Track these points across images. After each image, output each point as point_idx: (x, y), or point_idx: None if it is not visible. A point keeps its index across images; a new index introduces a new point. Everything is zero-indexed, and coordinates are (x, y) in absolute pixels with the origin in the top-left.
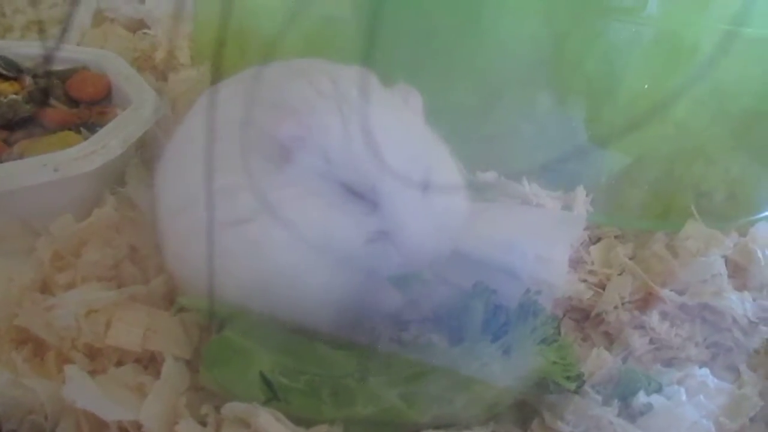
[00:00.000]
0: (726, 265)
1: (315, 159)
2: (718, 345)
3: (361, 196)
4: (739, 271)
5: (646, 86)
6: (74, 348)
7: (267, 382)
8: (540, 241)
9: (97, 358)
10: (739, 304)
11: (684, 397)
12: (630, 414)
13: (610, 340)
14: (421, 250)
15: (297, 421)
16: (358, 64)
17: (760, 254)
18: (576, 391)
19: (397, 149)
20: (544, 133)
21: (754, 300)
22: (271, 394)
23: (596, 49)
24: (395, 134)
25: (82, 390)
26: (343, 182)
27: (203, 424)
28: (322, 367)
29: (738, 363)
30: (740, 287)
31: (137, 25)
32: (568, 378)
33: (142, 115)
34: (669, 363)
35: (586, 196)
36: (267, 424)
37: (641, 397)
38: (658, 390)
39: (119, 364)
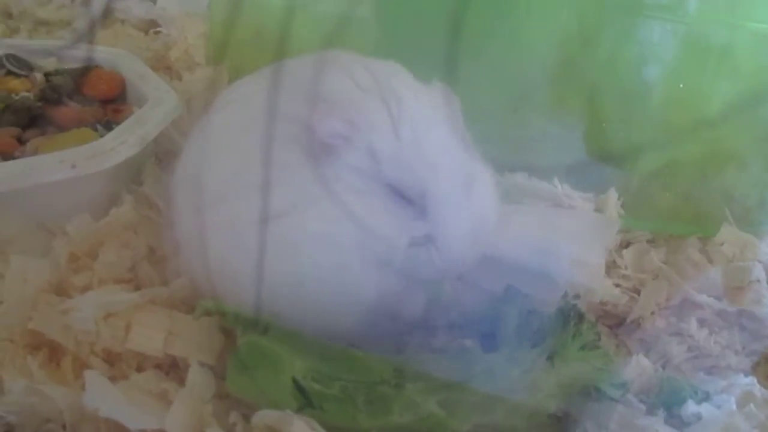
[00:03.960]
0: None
1: (360, 157)
2: (758, 353)
3: (409, 199)
4: None
5: (681, 86)
6: (93, 353)
7: (300, 389)
8: (575, 244)
9: (116, 364)
10: None
11: (734, 407)
12: (677, 424)
13: (647, 347)
14: (463, 256)
15: (331, 429)
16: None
17: None
18: (619, 400)
19: (446, 153)
20: (573, 134)
21: None
22: (305, 401)
23: (628, 49)
24: (443, 136)
25: (104, 397)
26: (390, 183)
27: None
28: (357, 374)
29: None
30: None
31: (149, 26)
32: (612, 385)
33: (160, 112)
34: (709, 371)
35: (618, 199)
36: None
37: (690, 407)
38: (707, 399)
39: (139, 370)
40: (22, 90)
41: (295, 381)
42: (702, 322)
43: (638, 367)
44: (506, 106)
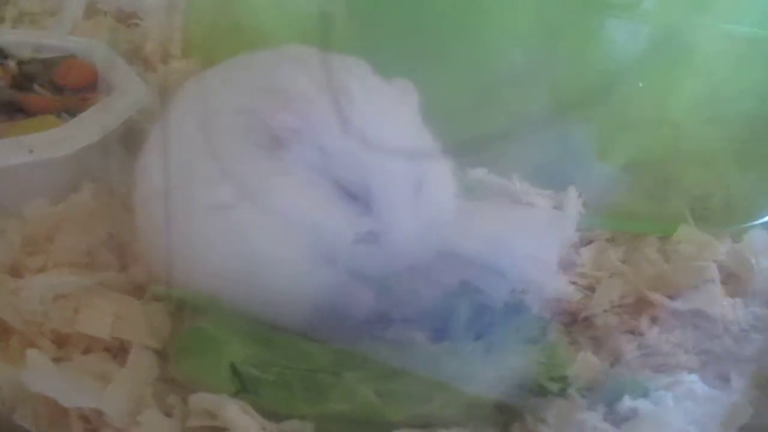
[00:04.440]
0: (719, 272)
1: (310, 152)
2: (709, 352)
3: (354, 195)
4: (732, 278)
5: (640, 84)
6: (41, 334)
7: (237, 373)
8: (529, 240)
9: (64, 346)
10: (731, 310)
11: (671, 403)
12: (615, 419)
13: (599, 344)
14: (408, 252)
15: (268, 415)
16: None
17: (753, 261)
18: (560, 394)
19: (395, 149)
20: (537, 132)
21: (746, 307)
22: (241, 386)
23: (591, 47)
24: (394, 133)
25: (42, 375)
26: (337, 178)
27: (169, 415)
28: (296, 361)
29: (729, 371)
30: (733, 294)
31: (129, 18)
32: (551, 379)
33: (124, 102)
34: (658, 369)
35: (578, 197)
36: (235, 416)
37: (626, 402)
38: (644, 395)
39: (87, 352)
40: None
41: (233, 366)
42: (654, 321)
43: (585, 364)
44: (471, 102)
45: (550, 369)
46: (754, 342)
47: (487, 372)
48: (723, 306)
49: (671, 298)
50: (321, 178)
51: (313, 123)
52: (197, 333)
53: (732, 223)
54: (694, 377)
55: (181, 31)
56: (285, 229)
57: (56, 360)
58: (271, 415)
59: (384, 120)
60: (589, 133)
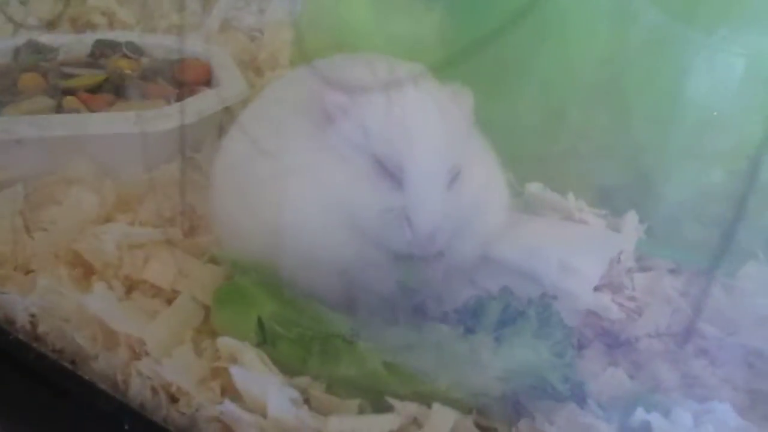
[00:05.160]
0: None
1: (354, 129)
2: (760, 392)
3: (389, 172)
4: None
5: (715, 113)
6: (115, 277)
7: (262, 327)
8: (571, 253)
9: (132, 290)
10: None
11: (689, 423)
12: (624, 430)
13: (638, 367)
14: (432, 233)
15: (283, 368)
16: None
17: None
18: (573, 399)
19: (431, 139)
20: (606, 154)
21: None
22: (263, 338)
23: (666, 73)
24: (432, 124)
25: (103, 302)
26: (375, 155)
27: (199, 355)
28: (316, 324)
29: None
30: None
31: (252, 31)
32: (563, 379)
33: (221, 95)
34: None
35: (640, 222)
36: (252, 362)
37: (639, 413)
38: (664, 413)
39: (150, 297)
40: (128, 69)
41: (259, 319)
42: (703, 353)
43: (612, 379)
44: (542, 119)
45: (563, 370)
46: None
47: (496, 363)
48: None
49: (728, 333)
50: (361, 153)
51: (360, 104)
52: (234, 288)
53: None
54: (726, 406)
55: (289, 44)
56: (324, 199)
57: (120, 298)
58: (286, 368)
59: (427, 113)
60: (661, 160)
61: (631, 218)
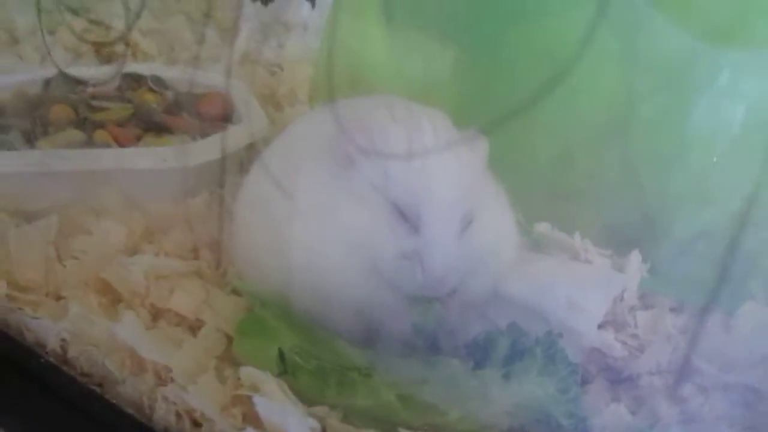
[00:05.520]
0: None
1: (375, 173)
2: (756, 430)
3: (406, 217)
4: None
5: (714, 159)
6: (141, 305)
7: (283, 358)
8: (577, 292)
9: (157, 319)
10: None
11: None
12: None
13: (640, 403)
14: (444, 276)
15: (302, 397)
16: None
17: None
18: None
19: (448, 186)
20: (611, 194)
21: None
22: (284, 369)
23: (670, 116)
24: (450, 172)
25: (132, 330)
26: (393, 200)
27: (222, 382)
28: (334, 357)
29: None
30: None
31: (272, 66)
32: (566, 414)
33: (245, 132)
34: None
35: (643, 261)
36: (273, 392)
37: None
38: None
39: (174, 325)
40: (153, 102)
41: (280, 351)
42: (702, 390)
43: (614, 415)
44: (549, 162)
45: (567, 405)
46: None
47: (504, 398)
48: None
49: (726, 370)
50: (379, 197)
51: (382, 149)
52: (257, 320)
53: None
54: None
55: (307, 80)
56: (342, 241)
57: (147, 326)
58: (305, 398)
59: (444, 161)
60: (664, 200)
61: (635, 257)
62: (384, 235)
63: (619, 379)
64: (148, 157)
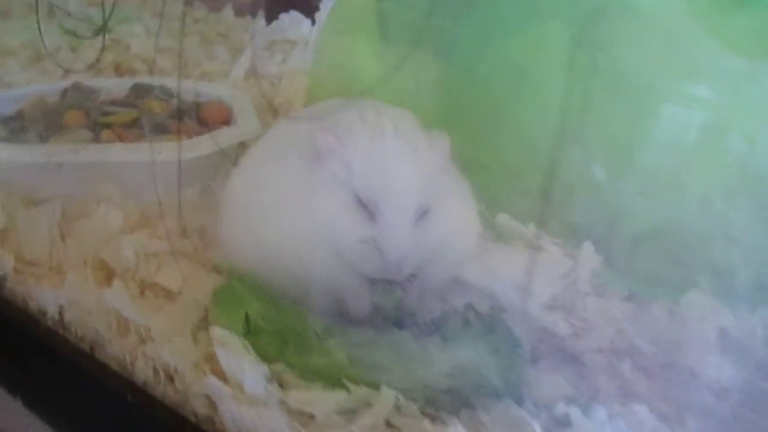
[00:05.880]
0: (724, 338)
1: (341, 167)
2: (688, 407)
3: (366, 206)
4: (737, 347)
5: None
6: (132, 280)
7: (248, 321)
8: (524, 272)
9: (144, 291)
10: (719, 372)
11: (603, 417)
12: (549, 425)
13: (582, 378)
14: (400, 261)
15: (263, 355)
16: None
17: (760, 332)
18: (511, 396)
19: (403, 180)
20: (569, 192)
21: (738, 373)
22: (248, 330)
23: (621, 120)
24: (406, 167)
25: (119, 296)
26: (355, 191)
27: (196, 343)
28: (296, 323)
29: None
30: (735, 361)
31: (273, 78)
32: (501, 377)
33: (238, 131)
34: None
35: (596, 253)
36: (236, 348)
37: (561, 407)
38: (585, 408)
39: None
40: (158, 109)
41: (246, 315)
42: (641, 368)
43: (553, 386)
44: (512, 159)
45: (503, 370)
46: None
47: (444, 361)
48: (712, 366)
49: (663, 351)
50: (343, 189)
51: (347, 146)
52: (228, 289)
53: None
54: (643, 408)
55: (303, 91)
56: (311, 226)
57: (134, 296)
58: (266, 357)
59: (402, 157)
60: (617, 198)
61: (587, 247)
62: (347, 222)
63: (564, 356)
64: (146, 152)
